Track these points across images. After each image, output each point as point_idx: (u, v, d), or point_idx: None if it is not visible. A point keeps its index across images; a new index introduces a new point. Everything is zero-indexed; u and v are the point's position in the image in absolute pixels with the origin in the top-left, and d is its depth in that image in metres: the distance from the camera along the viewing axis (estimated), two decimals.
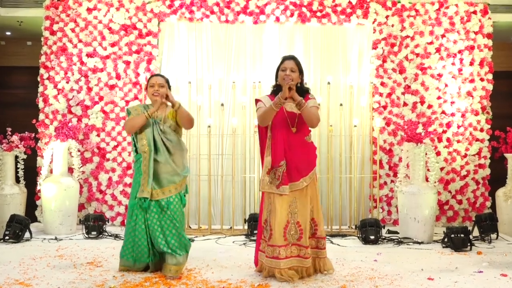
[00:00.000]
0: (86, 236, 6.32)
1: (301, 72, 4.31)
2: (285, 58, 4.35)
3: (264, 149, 4.38)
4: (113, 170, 7.26)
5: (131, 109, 4.54)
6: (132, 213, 4.41)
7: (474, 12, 7.46)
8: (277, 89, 4.34)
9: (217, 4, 7.35)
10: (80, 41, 7.35)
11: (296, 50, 7.45)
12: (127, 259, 4.49)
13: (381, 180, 7.25)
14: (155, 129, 4.39)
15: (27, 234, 6.17)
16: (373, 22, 7.42)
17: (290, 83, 4.08)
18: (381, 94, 7.34)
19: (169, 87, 4.59)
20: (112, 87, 7.31)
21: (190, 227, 6.82)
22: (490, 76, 7.42)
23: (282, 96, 4.06)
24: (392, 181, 7.28)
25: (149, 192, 4.31)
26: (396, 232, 6.58)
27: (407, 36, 7.41)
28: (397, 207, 6.78)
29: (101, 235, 6.34)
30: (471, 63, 7.43)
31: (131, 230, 4.42)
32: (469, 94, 7.41)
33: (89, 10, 7.37)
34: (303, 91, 4.33)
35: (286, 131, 4.28)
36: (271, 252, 4.21)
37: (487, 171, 7.38)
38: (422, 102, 7.35)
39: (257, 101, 4.36)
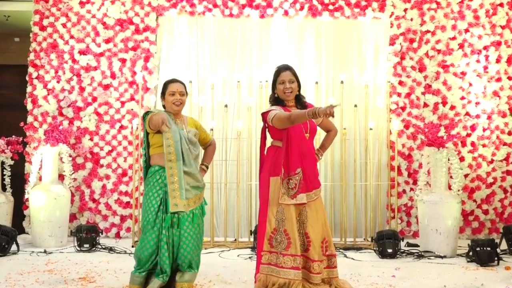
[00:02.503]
0: (78, 249, 6.32)
1: (298, 81, 4.47)
2: (280, 70, 4.47)
3: (263, 154, 4.52)
4: (108, 177, 7.26)
5: (152, 113, 4.42)
6: (152, 229, 4.33)
7: (501, 5, 7.44)
8: (276, 102, 4.46)
9: None
10: (72, 37, 7.38)
11: (306, 47, 7.46)
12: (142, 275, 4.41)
13: (399, 188, 7.23)
14: (181, 137, 4.38)
15: (14, 247, 6.17)
16: (390, 16, 7.41)
17: (332, 111, 4.01)
18: (399, 94, 7.32)
19: (186, 94, 4.59)
20: (106, 87, 7.33)
21: None
22: None
23: (321, 113, 3.94)
24: (411, 189, 7.25)
25: (185, 205, 4.32)
26: (416, 245, 6.55)
27: (428, 31, 7.39)
28: (417, 217, 6.75)
29: (94, 248, 6.34)
30: (498, 60, 7.41)
31: (154, 246, 4.35)
32: (495, 94, 7.39)
33: (81, 4, 7.40)
34: (302, 99, 4.51)
35: (301, 137, 4.38)
36: (290, 262, 4.21)
37: None
38: (444, 103, 7.33)
39: (266, 112, 4.38)
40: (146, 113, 4.40)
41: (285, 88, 4.38)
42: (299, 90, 4.48)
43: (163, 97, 4.51)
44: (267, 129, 4.51)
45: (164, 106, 4.56)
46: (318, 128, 4.61)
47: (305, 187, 4.30)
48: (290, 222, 4.25)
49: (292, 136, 4.33)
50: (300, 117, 4.15)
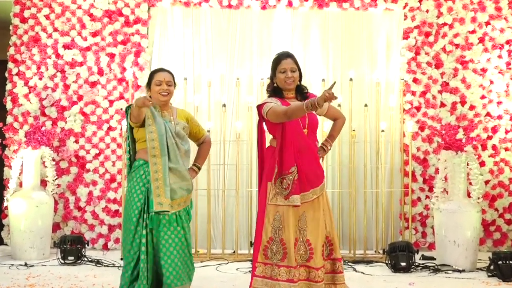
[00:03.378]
0: (62, 261, 6.30)
1: (299, 70, 4.44)
2: (281, 57, 4.42)
3: (263, 154, 4.45)
4: (94, 183, 7.25)
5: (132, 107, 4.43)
6: (135, 233, 4.31)
7: None
8: (275, 92, 4.41)
9: None
10: (55, 30, 7.37)
11: (312, 41, 7.46)
12: None
13: (413, 195, 7.21)
14: (167, 130, 4.37)
15: None
16: (404, 7, 7.41)
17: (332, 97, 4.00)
18: (413, 93, 7.31)
19: (175, 85, 4.60)
20: (93, 84, 7.32)
21: None
22: None
23: (321, 101, 3.94)
24: (427, 196, 7.24)
25: (169, 204, 4.29)
26: (432, 258, 6.53)
27: (445, 24, 7.38)
28: (433, 228, 6.73)
29: (79, 261, 6.33)
30: None
31: (134, 255, 4.32)
32: None
33: None
34: (303, 90, 4.45)
35: (297, 133, 4.31)
36: (285, 274, 4.18)
37: None
38: (463, 103, 7.32)
39: (261, 105, 4.34)
40: (128, 107, 4.40)
41: (286, 77, 4.31)
42: (300, 80, 4.44)
43: (148, 88, 4.52)
44: (264, 124, 4.45)
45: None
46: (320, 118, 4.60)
47: (299, 188, 4.22)
48: (288, 230, 4.21)
49: (287, 132, 4.27)
50: (297, 110, 4.08)
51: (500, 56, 7.38)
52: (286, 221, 4.21)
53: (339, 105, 6.80)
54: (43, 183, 6.94)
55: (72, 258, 6.30)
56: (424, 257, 6.59)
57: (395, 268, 6.04)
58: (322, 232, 4.28)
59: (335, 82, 4.06)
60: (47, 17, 7.38)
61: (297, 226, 4.25)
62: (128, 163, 4.50)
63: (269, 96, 4.44)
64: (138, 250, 4.30)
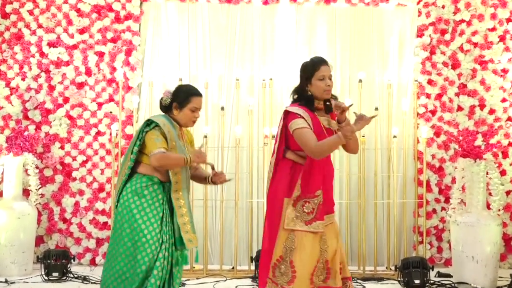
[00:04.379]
0: (46, 278, 6.32)
1: None
2: (320, 62, 4.32)
3: (278, 162, 4.39)
4: (81, 192, 7.28)
5: (160, 123, 4.31)
6: (161, 268, 4.21)
7: None
8: (307, 101, 4.32)
9: None
10: (40, 26, 7.40)
11: (318, 39, 7.49)
12: None
13: (428, 207, 7.23)
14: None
15: None
16: (418, 3, 7.44)
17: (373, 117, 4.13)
18: (428, 96, 7.34)
19: None
20: (80, 85, 7.35)
21: None
22: None
23: (355, 130, 4.05)
24: (443, 208, 7.25)
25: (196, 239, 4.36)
26: (449, 275, 6.55)
27: (462, 21, 7.41)
28: (450, 242, 6.75)
29: (64, 277, 6.35)
30: None
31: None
32: None
33: None
34: (329, 101, 4.37)
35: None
36: None
37: None
38: (482, 106, 7.35)
39: (292, 115, 4.32)
40: (153, 123, 4.29)
41: (327, 86, 4.23)
42: None
43: (180, 108, 4.38)
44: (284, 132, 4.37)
45: (163, 107, 4.44)
46: None
47: (323, 212, 4.23)
48: (300, 253, 4.17)
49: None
50: (334, 143, 4.10)
51: None
52: (301, 243, 4.17)
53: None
54: (26, 192, 6.97)
55: (56, 274, 6.31)
56: (439, 274, 6.61)
57: (408, 286, 6.06)
58: (336, 250, 4.32)
59: (376, 115, 4.25)
60: (30, 12, 7.40)
61: (319, 248, 4.23)
62: (128, 173, 4.34)
63: (295, 101, 4.37)
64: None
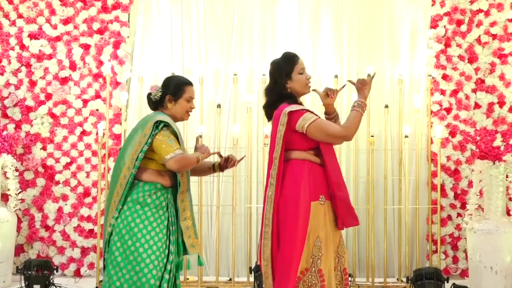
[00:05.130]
0: None
1: None
2: (296, 56, 4.43)
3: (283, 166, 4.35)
4: (65, 197, 7.25)
5: (169, 121, 4.33)
6: (169, 279, 4.26)
7: None
8: (290, 99, 4.35)
9: None
10: (20, 16, 7.40)
11: (323, 31, 7.48)
12: None
13: (443, 213, 7.21)
14: None
15: None
16: None
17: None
18: (443, 92, 7.33)
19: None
20: (64, 80, 7.33)
21: None
22: None
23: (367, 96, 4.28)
24: (459, 214, 7.24)
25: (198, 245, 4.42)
26: (465, 287, 6.52)
27: (480, 11, 7.40)
28: (466, 251, 6.74)
29: None
30: None
31: None
32: None
33: None
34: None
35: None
36: None
37: None
38: (501, 103, 7.34)
39: (297, 113, 4.29)
40: (161, 123, 4.26)
41: (307, 79, 4.34)
42: None
43: (175, 100, 4.40)
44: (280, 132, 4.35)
45: (153, 102, 4.44)
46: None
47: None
48: (327, 259, 4.23)
49: (328, 145, 4.32)
50: (358, 121, 4.24)
51: None
52: (326, 248, 4.22)
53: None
54: (4, 197, 6.95)
55: (38, 286, 6.28)
56: (455, 286, 6.57)
57: None
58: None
59: (375, 73, 4.42)
60: (9, 1, 7.41)
61: (337, 253, 4.31)
62: (131, 180, 4.29)
63: (276, 102, 4.36)
64: None
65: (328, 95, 4.30)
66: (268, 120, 4.46)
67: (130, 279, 4.11)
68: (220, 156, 4.56)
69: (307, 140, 4.24)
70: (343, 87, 4.44)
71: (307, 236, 4.19)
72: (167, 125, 4.25)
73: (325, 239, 4.22)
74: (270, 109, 4.38)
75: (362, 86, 4.27)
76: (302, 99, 4.46)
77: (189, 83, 4.48)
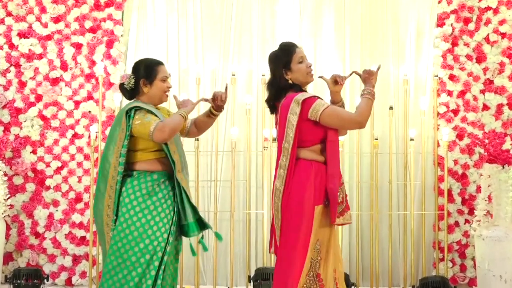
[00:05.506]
0: None
1: None
2: (293, 45, 4.44)
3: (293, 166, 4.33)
4: (56, 203, 7.22)
5: (139, 104, 4.39)
6: (156, 260, 4.30)
7: None
8: (295, 90, 4.34)
9: None
10: (8, 14, 7.37)
11: (325, 28, 7.49)
12: None
13: (450, 219, 7.19)
14: (178, 137, 4.53)
15: None
16: None
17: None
18: (450, 93, 7.32)
19: None
20: (55, 81, 7.31)
21: None
22: None
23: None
24: (466, 221, 7.22)
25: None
26: None
27: (488, 8, 7.39)
28: (474, 259, 6.72)
29: None
30: None
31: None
32: None
33: None
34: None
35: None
36: None
37: None
38: (511, 105, 7.32)
39: (308, 100, 4.24)
40: (135, 109, 4.33)
41: (308, 67, 4.33)
42: None
43: (150, 82, 4.45)
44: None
45: (129, 92, 4.47)
46: None
47: (348, 203, 4.34)
48: (327, 264, 4.23)
49: (335, 133, 4.32)
50: (370, 108, 4.25)
51: None
52: (324, 249, 4.23)
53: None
54: None
55: None
56: None
57: None
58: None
59: (380, 66, 4.38)
60: None
61: (339, 255, 4.33)
62: (120, 178, 4.33)
63: (279, 94, 4.37)
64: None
65: (337, 81, 4.30)
66: (271, 113, 4.48)
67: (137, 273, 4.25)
68: (206, 100, 4.63)
69: (314, 132, 4.23)
70: (350, 74, 4.45)
71: (311, 241, 4.18)
72: (138, 108, 4.31)
73: (326, 242, 4.23)
74: (273, 103, 4.39)
75: (369, 76, 4.29)
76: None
77: (160, 63, 4.56)
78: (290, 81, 4.31)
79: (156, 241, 4.26)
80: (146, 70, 4.46)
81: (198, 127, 4.78)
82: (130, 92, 4.44)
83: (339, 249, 4.41)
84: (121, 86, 4.46)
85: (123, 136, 4.30)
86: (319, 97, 4.26)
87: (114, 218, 4.28)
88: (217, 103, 4.60)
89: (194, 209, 4.39)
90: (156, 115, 4.31)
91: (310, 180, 4.21)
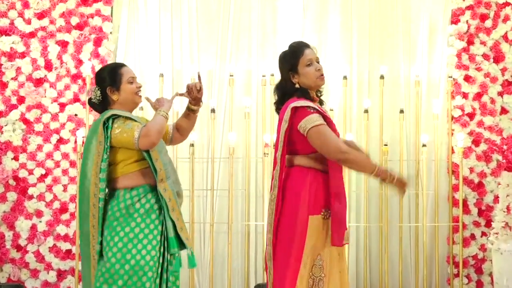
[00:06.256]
0: None
1: None
2: (302, 47, 4.41)
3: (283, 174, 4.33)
4: (39, 213, 7.20)
5: (115, 112, 4.38)
6: (146, 278, 4.26)
7: None
8: (302, 94, 4.33)
9: None
10: None
11: (331, 27, 7.50)
12: None
13: (465, 232, 7.18)
14: (162, 144, 4.48)
15: None
16: None
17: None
18: (465, 95, 7.31)
19: None
20: (39, 82, 7.29)
21: None
22: None
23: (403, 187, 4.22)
24: (483, 233, 7.21)
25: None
26: None
27: (507, 4, 7.40)
28: (492, 275, 6.71)
29: None
30: None
31: None
32: None
33: None
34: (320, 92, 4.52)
35: None
36: None
37: None
38: None
39: (302, 111, 4.24)
40: (112, 118, 4.31)
41: (317, 70, 4.29)
42: None
43: (116, 88, 4.44)
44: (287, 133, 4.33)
45: (98, 105, 4.47)
46: None
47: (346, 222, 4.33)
48: (332, 281, 4.21)
49: None
50: (362, 169, 4.25)
51: None
52: (328, 267, 4.21)
53: (366, 111, 6.80)
54: None
55: None
56: None
57: None
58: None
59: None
60: None
61: (346, 275, 4.32)
62: (103, 196, 4.32)
63: (286, 98, 4.35)
64: None
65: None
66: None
67: None
68: (181, 94, 4.60)
69: (306, 144, 4.22)
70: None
71: (304, 254, 4.17)
72: (115, 117, 4.29)
73: (329, 257, 4.21)
74: (279, 106, 4.38)
75: (400, 184, 4.18)
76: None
77: (123, 65, 4.60)
78: (297, 85, 4.31)
79: (143, 260, 4.21)
80: (110, 77, 4.46)
81: (181, 131, 4.75)
82: (100, 105, 4.44)
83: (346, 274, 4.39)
84: (90, 102, 4.47)
85: (102, 149, 4.27)
86: (318, 111, 4.23)
87: (100, 240, 4.26)
88: (193, 95, 4.58)
89: (174, 225, 4.31)
90: (136, 121, 4.30)
91: (305, 187, 4.20)
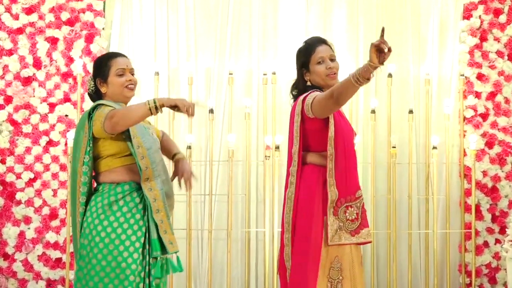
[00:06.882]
0: None
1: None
2: (315, 43, 4.47)
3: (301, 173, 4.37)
4: (27, 220, 7.20)
5: (101, 101, 4.40)
6: (128, 283, 4.24)
7: None
8: (307, 90, 4.40)
9: None
10: None
11: (336, 24, 7.52)
12: None
13: (478, 239, 7.19)
14: (152, 141, 4.43)
15: None
16: None
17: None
18: (478, 95, 7.33)
19: None
20: (27, 80, 7.30)
21: None
22: None
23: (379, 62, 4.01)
24: (497, 241, 7.23)
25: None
26: None
27: None
28: (507, 284, 6.71)
29: None
30: None
31: None
32: None
33: None
34: None
35: (352, 142, 4.44)
36: None
37: None
38: None
39: (308, 95, 4.31)
40: (96, 107, 4.33)
41: (328, 68, 4.33)
42: None
43: (104, 80, 4.46)
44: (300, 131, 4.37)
45: (94, 96, 4.51)
46: None
47: (366, 217, 4.36)
48: (351, 282, 4.24)
49: (346, 139, 4.32)
50: (346, 87, 3.96)
51: None
52: (349, 269, 4.25)
53: (373, 112, 6.81)
54: None
55: None
56: None
57: None
58: None
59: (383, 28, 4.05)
60: None
61: (363, 276, 4.36)
62: (85, 190, 4.35)
63: (297, 94, 4.45)
64: None
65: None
66: None
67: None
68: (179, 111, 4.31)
69: (320, 135, 4.25)
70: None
71: (323, 256, 4.21)
72: (99, 105, 4.30)
73: (347, 259, 4.25)
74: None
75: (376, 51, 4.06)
76: None
77: (114, 55, 4.57)
78: (308, 83, 4.39)
79: (125, 263, 4.19)
80: (98, 68, 4.49)
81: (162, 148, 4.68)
82: (95, 96, 4.47)
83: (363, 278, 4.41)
84: (88, 93, 4.53)
85: (86, 141, 4.28)
86: (314, 91, 4.29)
87: (80, 230, 4.29)
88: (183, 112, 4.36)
89: (156, 227, 4.28)
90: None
91: (317, 188, 4.26)
